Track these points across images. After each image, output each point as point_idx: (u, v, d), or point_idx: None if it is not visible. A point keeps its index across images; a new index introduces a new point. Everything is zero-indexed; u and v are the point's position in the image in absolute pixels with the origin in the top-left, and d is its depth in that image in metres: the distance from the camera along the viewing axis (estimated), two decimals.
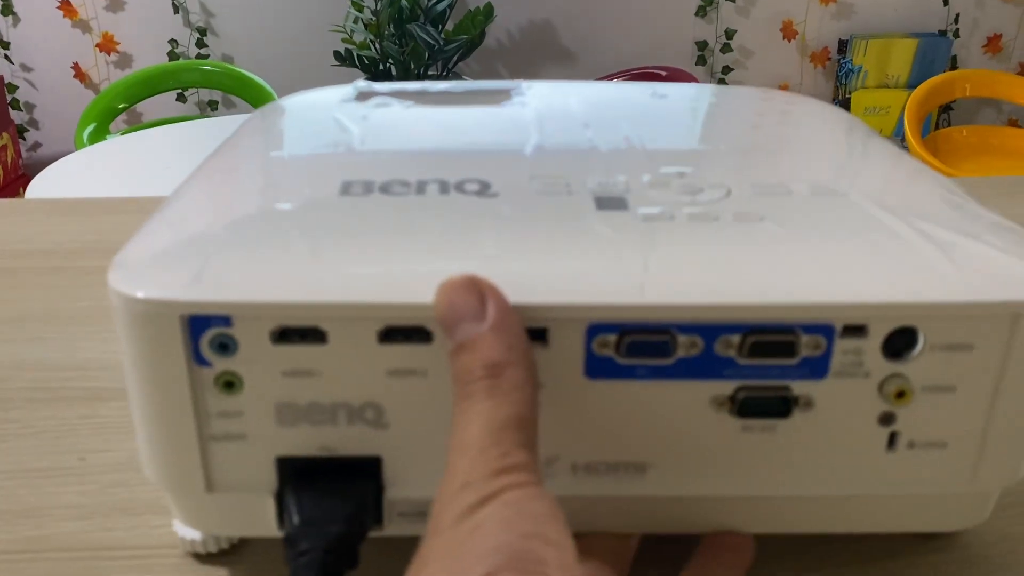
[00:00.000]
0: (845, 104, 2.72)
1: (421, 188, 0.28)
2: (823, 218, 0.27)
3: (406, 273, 0.24)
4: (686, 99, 0.39)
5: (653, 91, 0.40)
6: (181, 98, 2.73)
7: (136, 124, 2.68)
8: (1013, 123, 2.83)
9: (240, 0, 2.65)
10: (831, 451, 0.26)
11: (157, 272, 0.24)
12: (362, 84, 0.40)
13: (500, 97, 0.39)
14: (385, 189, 0.28)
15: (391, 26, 2.29)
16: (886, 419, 0.25)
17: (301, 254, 0.24)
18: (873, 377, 0.25)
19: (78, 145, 2.07)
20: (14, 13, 2.64)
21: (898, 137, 2.71)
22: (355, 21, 2.36)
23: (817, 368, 0.25)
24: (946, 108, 2.77)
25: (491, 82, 0.41)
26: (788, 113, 0.38)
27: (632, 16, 2.71)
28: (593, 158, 0.31)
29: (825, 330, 0.24)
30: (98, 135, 2.15)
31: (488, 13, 2.31)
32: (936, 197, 0.29)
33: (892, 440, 0.26)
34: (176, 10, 2.63)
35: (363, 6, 2.40)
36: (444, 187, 0.28)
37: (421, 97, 0.39)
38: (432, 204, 0.27)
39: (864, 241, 0.25)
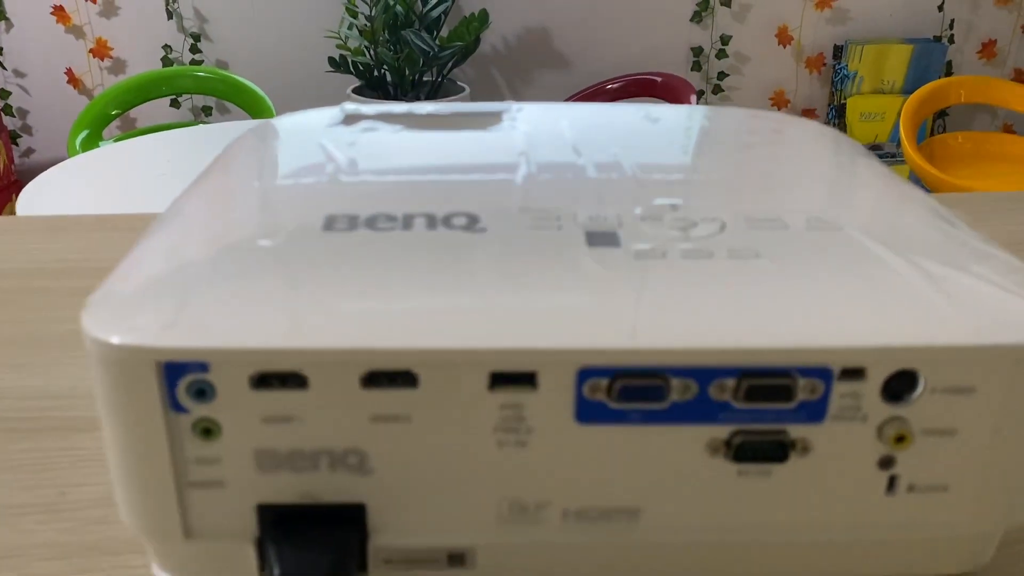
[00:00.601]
0: (840, 110, 2.72)
1: (407, 222, 0.27)
2: (819, 254, 0.26)
3: (390, 316, 0.23)
4: (678, 123, 0.39)
5: (646, 114, 0.39)
6: (175, 104, 2.73)
7: (129, 130, 2.67)
8: (1008, 129, 2.83)
9: (234, 6, 2.64)
10: (829, 496, 0.25)
11: (132, 314, 0.23)
12: (349, 107, 0.39)
13: (489, 120, 0.38)
14: (370, 224, 0.27)
15: (386, 32, 2.29)
16: (885, 463, 0.25)
17: (281, 296, 0.24)
18: (872, 420, 0.24)
19: (71, 152, 2.06)
20: (7, 18, 2.63)
21: (894, 143, 2.71)
22: (350, 27, 2.36)
23: (815, 412, 0.24)
24: (941, 114, 2.77)
25: (480, 104, 0.40)
26: (780, 136, 0.37)
27: (627, 22, 2.70)
28: (584, 188, 0.30)
29: (823, 373, 0.23)
30: (91, 141, 2.14)
31: (483, 19, 2.30)
32: (935, 229, 0.28)
33: (892, 484, 0.25)
34: (170, 16, 2.63)
35: (358, 12, 2.40)
36: (431, 221, 0.27)
37: (409, 120, 0.38)
38: (418, 240, 0.26)
39: (862, 279, 0.25)
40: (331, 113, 0.39)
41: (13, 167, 2.64)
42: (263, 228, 0.27)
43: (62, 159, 2.74)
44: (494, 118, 0.38)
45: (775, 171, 0.33)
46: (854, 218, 0.28)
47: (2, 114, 2.64)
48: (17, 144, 2.76)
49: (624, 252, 0.26)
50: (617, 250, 0.26)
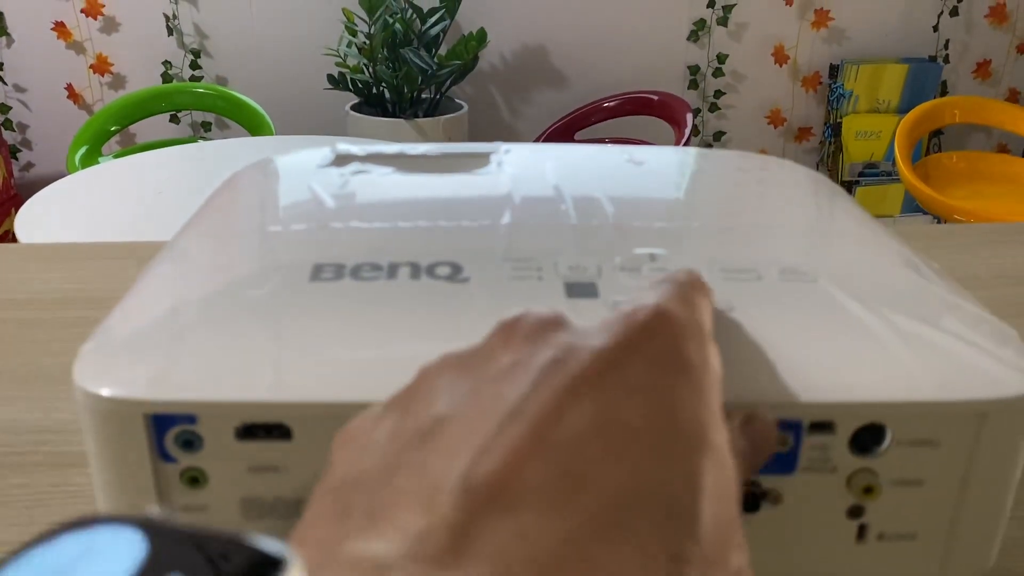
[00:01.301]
0: (836, 128, 2.73)
1: (392, 272, 0.28)
2: (791, 307, 0.27)
3: (372, 369, 0.24)
4: (662, 167, 0.39)
5: (631, 157, 0.40)
6: (174, 119, 2.74)
7: (129, 146, 2.68)
8: (1003, 149, 2.85)
9: (234, 23, 2.65)
10: (800, 544, 0.26)
11: (121, 366, 0.24)
12: (340, 148, 0.40)
13: (478, 163, 0.39)
14: (355, 273, 0.28)
15: (384, 50, 2.30)
16: (855, 512, 0.25)
17: (267, 349, 0.24)
18: (841, 472, 0.25)
19: (70, 168, 2.07)
20: (8, 34, 2.64)
21: (889, 161, 2.72)
22: (349, 45, 2.37)
23: (785, 463, 0.24)
24: (936, 134, 2.79)
25: (469, 145, 0.41)
26: (762, 182, 0.38)
27: (624, 40, 2.72)
28: (566, 235, 0.31)
29: (793, 427, 0.24)
30: (90, 157, 2.15)
31: (481, 38, 2.32)
32: (906, 280, 0.29)
33: (861, 532, 0.25)
34: (170, 32, 2.64)
35: (357, 30, 2.41)
36: (415, 271, 0.28)
37: (399, 162, 0.39)
38: (402, 291, 0.27)
39: (832, 333, 0.26)
40: (322, 154, 0.40)
41: (12, 181, 2.65)
42: (252, 277, 0.28)
43: (61, 173, 2.75)
44: (482, 160, 0.39)
45: (754, 219, 0.34)
46: (828, 269, 0.29)
47: (2, 128, 2.65)
48: (17, 158, 2.77)
49: (602, 303, 0.26)
50: (595, 301, 0.27)
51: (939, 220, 2.78)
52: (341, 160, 0.39)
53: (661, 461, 0.18)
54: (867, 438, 0.24)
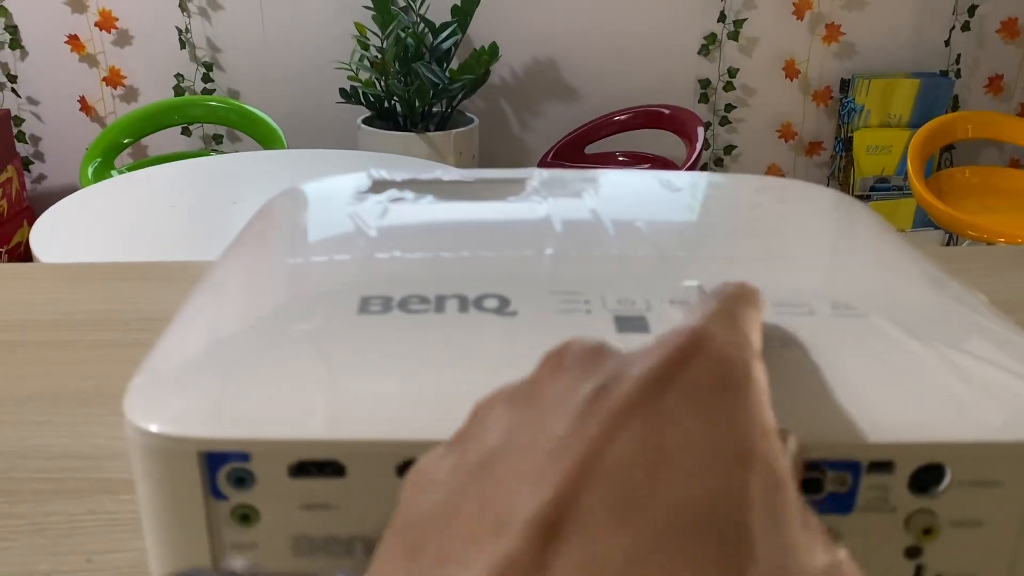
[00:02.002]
0: (847, 142, 2.73)
1: (440, 305, 0.28)
2: (846, 343, 0.26)
3: (426, 406, 0.24)
4: (698, 193, 0.39)
5: (666, 182, 0.40)
6: (186, 132, 2.75)
7: (141, 158, 2.70)
8: (1015, 163, 2.84)
9: (246, 36, 2.67)
10: None
11: (173, 402, 0.24)
12: (375, 173, 0.40)
13: (513, 188, 0.38)
14: (404, 306, 0.28)
15: (396, 64, 2.31)
16: (912, 552, 0.25)
17: (320, 384, 0.24)
18: (900, 512, 0.24)
19: (83, 180, 2.08)
20: (22, 47, 2.66)
21: (900, 176, 2.72)
22: (361, 59, 2.38)
23: (843, 503, 0.24)
24: (948, 148, 2.78)
25: (504, 171, 0.41)
26: (800, 209, 0.38)
27: (635, 54, 2.73)
28: (611, 267, 0.31)
29: (852, 467, 0.24)
30: (103, 170, 2.16)
31: (493, 52, 2.32)
32: (957, 314, 0.29)
33: (918, 573, 0.25)
34: (183, 45, 2.66)
35: (369, 44, 2.42)
36: (463, 304, 0.28)
37: (435, 188, 0.38)
38: (452, 324, 0.27)
39: (889, 371, 0.25)
40: (358, 180, 0.40)
41: (25, 193, 2.66)
42: (300, 310, 0.28)
43: (74, 185, 2.76)
44: (518, 186, 0.39)
45: (797, 249, 0.33)
46: (878, 302, 0.29)
47: (15, 141, 2.66)
48: (29, 170, 2.78)
49: (654, 338, 0.26)
50: (647, 336, 0.26)
51: (951, 235, 2.77)
52: (378, 187, 0.39)
53: (706, 482, 0.18)
54: (926, 478, 0.24)
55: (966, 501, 0.24)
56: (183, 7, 2.62)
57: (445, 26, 2.39)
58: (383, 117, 2.46)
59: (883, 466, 0.24)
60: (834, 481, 0.24)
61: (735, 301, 0.23)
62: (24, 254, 2.62)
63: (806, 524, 0.19)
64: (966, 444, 0.23)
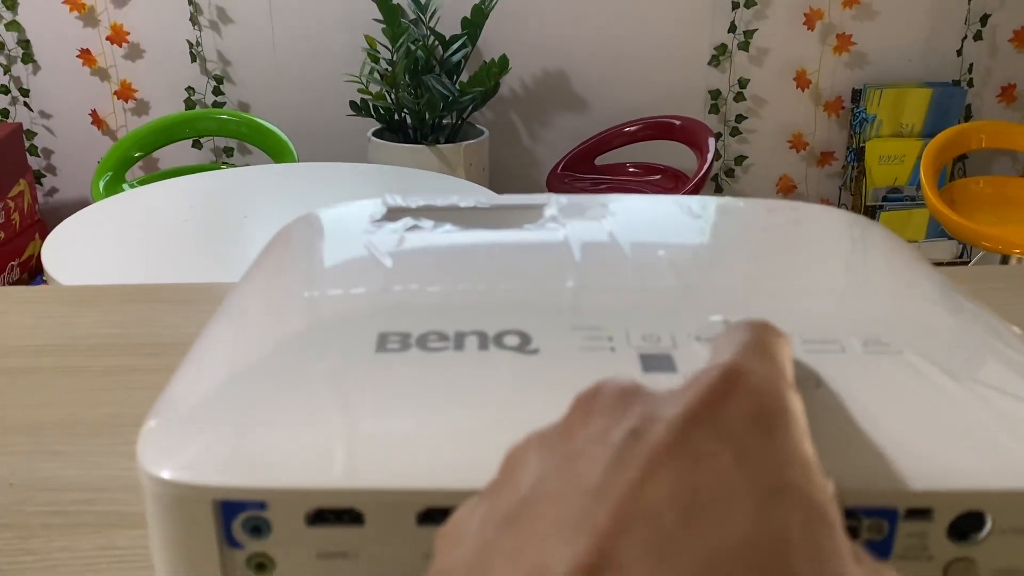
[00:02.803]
0: (859, 152, 2.71)
1: (459, 342, 0.27)
2: (880, 383, 0.26)
3: (445, 453, 0.23)
4: (719, 220, 0.38)
5: (686, 208, 0.39)
6: (197, 144, 2.76)
7: (152, 172, 2.70)
8: None
9: (257, 49, 2.67)
10: None
11: (188, 448, 0.23)
12: (391, 200, 0.39)
13: (531, 216, 0.38)
14: (422, 343, 0.27)
15: (407, 77, 2.31)
16: None
17: (338, 429, 0.23)
18: (938, 560, 0.23)
19: (94, 194, 2.08)
20: (34, 61, 2.67)
21: (913, 186, 2.70)
22: (371, 72, 2.38)
23: (879, 550, 0.23)
24: (961, 158, 2.77)
25: (521, 197, 0.40)
26: (825, 236, 0.37)
27: (645, 65, 2.72)
28: (634, 300, 0.30)
29: (888, 514, 0.23)
30: (114, 183, 2.16)
31: (503, 65, 2.32)
32: (992, 350, 0.28)
33: None
34: (193, 58, 2.67)
35: (379, 57, 2.42)
36: (483, 341, 0.27)
37: (452, 216, 0.38)
38: (472, 363, 0.26)
39: (925, 413, 0.24)
40: (374, 206, 0.39)
41: (37, 207, 2.67)
42: (317, 348, 0.27)
43: (85, 198, 2.77)
44: (535, 213, 0.38)
45: (824, 279, 0.33)
46: (911, 338, 0.28)
47: (27, 154, 2.67)
48: (41, 184, 2.79)
49: (681, 378, 0.25)
50: (674, 376, 0.26)
51: (965, 246, 2.75)
52: (393, 214, 0.38)
53: (743, 522, 0.17)
54: (966, 525, 0.23)
55: (1007, 549, 0.23)
56: (194, 20, 2.63)
57: (455, 39, 2.39)
58: (393, 130, 2.46)
59: (921, 513, 0.23)
60: (870, 528, 0.23)
61: (765, 332, 0.23)
62: (35, 267, 2.63)
63: (858, 558, 0.18)
64: (1008, 492, 0.23)
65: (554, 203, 0.39)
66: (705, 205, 0.40)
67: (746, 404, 0.20)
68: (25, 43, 2.65)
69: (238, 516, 0.23)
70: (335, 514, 0.23)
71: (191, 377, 0.27)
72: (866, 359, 0.27)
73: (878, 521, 0.23)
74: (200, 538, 0.23)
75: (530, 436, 0.21)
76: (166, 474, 0.23)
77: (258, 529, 0.23)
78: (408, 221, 0.37)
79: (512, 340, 0.27)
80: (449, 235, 0.36)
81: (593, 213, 0.38)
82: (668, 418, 0.19)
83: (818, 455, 0.23)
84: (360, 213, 0.38)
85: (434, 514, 0.23)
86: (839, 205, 2.86)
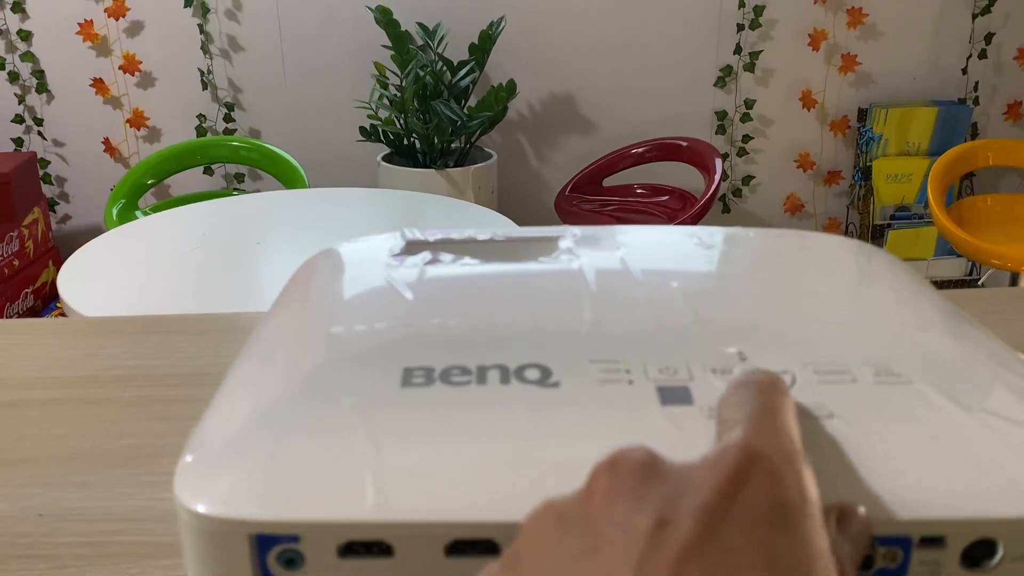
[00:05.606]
0: (867, 172, 2.72)
1: (482, 376, 0.28)
2: (892, 413, 0.26)
3: (472, 485, 0.24)
4: (732, 251, 0.39)
5: (699, 240, 0.40)
6: (208, 171, 2.78)
7: (164, 199, 2.73)
8: None
9: (267, 76, 2.71)
10: None
11: (223, 483, 0.24)
12: (409, 234, 0.40)
13: (547, 249, 0.39)
14: (446, 378, 0.28)
15: (416, 103, 2.33)
16: None
17: (368, 463, 0.24)
18: None
19: (108, 222, 2.10)
20: (48, 91, 2.71)
21: (920, 204, 2.71)
22: (380, 98, 2.41)
23: None
24: (968, 176, 2.77)
25: (537, 229, 0.41)
26: (836, 267, 0.38)
27: (651, 87, 2.74)
28: (651, 332, 0.31)
29: (902, 542, 0.23)
30: (127, 211, 2.19)
31: (511, 90, 2.34)
32: (1002, 379, 0.29)
33: None
34: (205, 86, 2.70)
35: (388, 83, 2.45)
36: (504, 375, 0.28)
37: (469, 249, 0.39)
38: (495, 398, 0.27)
39: (937, 443, 0.25)
40: (392, 240, 0.40)
41: (51, 234, 2.70)
42: (344, 383, 0.28)
43: (98, 226, 2.80)
44: (551, 245, 0.39)
45: (834, 309, 0.33)
46: (922, 369, 0.29)
47: (41, 182, 2.70)
48: (55, 211, 2.82)
49: (698, 411, 0.26)
50: (691, 408, 0.26)
51: (973, 264, 2.75)
52: (412, 248, 0.39)
53: None
54: (978, 552, 0.24)
55: (1020, 575, 0.24)
56: (205, 49, 2.66)
57: (463, 64, 2.42)
58: (403, 154, 2.49)
59: (934, 541, 0.24)
60: (884, 557, 0.24)
61: (770, 394, 0.24)
62: (49, 294, 2.65)
63: None
64: (1019, 520, 0.23)
65: (569, 235, 0.40)
66: (714, 236, 0.41)
67: (766, 492, 0.20)
68: (39, 73, 2.68)
69: (273, 549, 0.23)
70: (365, 546, 0.24)
71: (224, 412, 0.28)
72: (877, 388, 0.27)
73: (892, 550, 0.24)
74: (236, 570, 0.24)
75: (548, 505, 0.22)
76: (203, 508, 0.23)
77: (292, 561, 0.24)
78: (427, 255, 0.38)
79: (533, 374, 0.28)
80: (467, 268, 0.37)
81: (607, 244, 0.39)
82: (693, 508, 0.20)
83: (833, 485, 0.24)
84: (379, 247, 0.39)
85: (461, 545, 0.23)
86: (847, 224, 2.86)
